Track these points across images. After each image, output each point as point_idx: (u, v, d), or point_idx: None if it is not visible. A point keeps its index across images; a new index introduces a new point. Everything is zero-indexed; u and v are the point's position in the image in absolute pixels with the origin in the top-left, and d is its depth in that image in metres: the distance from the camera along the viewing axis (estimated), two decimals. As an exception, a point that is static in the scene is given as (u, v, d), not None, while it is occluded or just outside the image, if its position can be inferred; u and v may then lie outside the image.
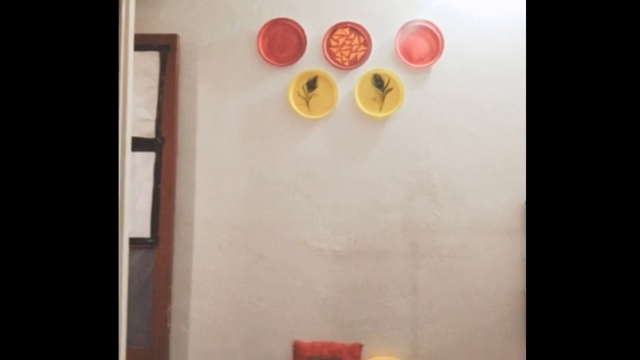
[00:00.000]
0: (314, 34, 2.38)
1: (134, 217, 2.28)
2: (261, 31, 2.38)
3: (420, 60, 2.36)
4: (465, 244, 2.32)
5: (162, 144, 2.35)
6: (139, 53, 2.29)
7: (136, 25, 1.71)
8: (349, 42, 2.37)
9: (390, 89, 2.35)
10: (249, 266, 2.35)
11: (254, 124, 2.39)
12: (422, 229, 2.33)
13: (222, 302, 2.34)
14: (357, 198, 2.35)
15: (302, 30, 2.38)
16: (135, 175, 2.32)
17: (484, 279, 2.31)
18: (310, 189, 2.36)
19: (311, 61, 2.38)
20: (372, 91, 2.36)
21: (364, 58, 2.36)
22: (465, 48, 2.36)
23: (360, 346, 2.29)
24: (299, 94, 2.37)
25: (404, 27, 2.36)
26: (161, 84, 2.37)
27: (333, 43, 2.37)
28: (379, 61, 2.37)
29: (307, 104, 2.37)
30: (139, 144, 2.31)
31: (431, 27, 2.35)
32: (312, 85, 2.37)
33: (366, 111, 2.34)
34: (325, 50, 2.37)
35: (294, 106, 2.36)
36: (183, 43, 2.41)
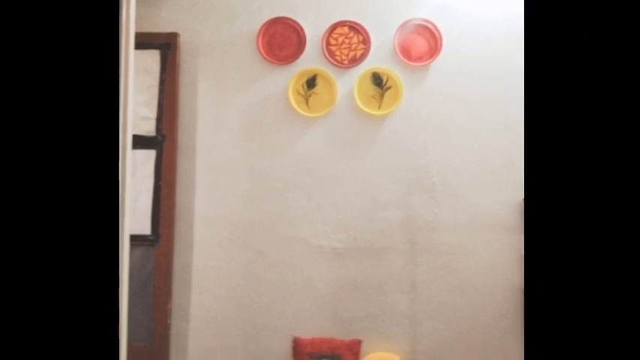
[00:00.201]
0: (313, 32, 2.39)
1: (135, 215, 2.29)
2: (260, 30, 2.39)
3: (419, 58, 2.37)
4: (463, 241, 2.33)
5: (162, 142, 2.36)
6: (140, 52, 2.29)
7: (137, 23, 1.71)
8: (348, 40, 2.38)
9: (389, 87, 2.36)
10: (249, 263, 2.36)
11: (254, 122, 2.40)
12: (421, 227, 2.34)
13: (222, 299, 2.36)
14: (357, 196, 2.36)
15: (301, 29, 2.38)
16: (136, 173, 2.33)
17: (482, 276, 2.32)
18: (310, 187, 2.37)
19: (310, 60, 2.39)
20: (371, 89, 2.37)
21: (363, 56, 2.37)
22: (464, 46, 2.37)
23: (359, 342, 2.31)
24: (298, 93, 2.38)
25: (403, 25, 2.37)
26: (162, 82, 2.38)
27: (333, 41, 2.38)
28: (378, 59, 2.38)
29: (307, 102, 2.38)
30: (139, 142, 2.32)
31: (429, 25, 2.36)
32: (311, 83, 2.38)
33: (365, 109, 2.35)
34: (324, 49, 2.38)
35: (294, 105, 2.37)
36: (184, 41, 2.42)
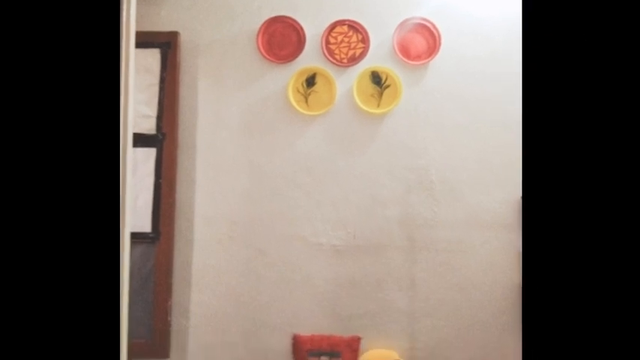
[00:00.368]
0: (313, 31, 2.40)
1: (135, 212, 2.30)
2: (260, 29, 2.40)
3: (418, 57, 2.37)
4: (461, 238, 2.34)
5: (163, 140, 2.37)
6: (140, 50, 2.29)
7: (137, 22, 1.72)
8: (347, 39, 2.38)
9: (388, 86, 2.36)
10: (249, 261, 2.37)
11: (254, 120, 2.41)
12: (419, 224, 2.35)
13: (222, 296, 2.37)
14: (356, 193, 2.37)
15: (301, 27, 2.39)
16: (136, 171, 2.34)
17: (481, 273, 2.33)
18: (309, 185, 2.38)
19: (310, 59, 2.40)
20: (370, 87, 2.37)
21: (362, 55, 2.38)
22: (463, 46, 2.37)
23: (358, 339, 2.32)
24: (298, 91, 2.39)
25: (402, 24, 2.37)
26: (162, 81, 2.39)
27: (332, 40, 2.39)
28: (377, 58, 2.38)
29: (306, 101, 2.39)
30: (140, 140, 2.33)
31: (428, 24, 2.37)
32: (311, 81, 2.39)
33: (364, 107, 2.36)
34: (324, 47, 2.38)
35: (294, 103, 2.38)
36: (184, 40, 2.43)
